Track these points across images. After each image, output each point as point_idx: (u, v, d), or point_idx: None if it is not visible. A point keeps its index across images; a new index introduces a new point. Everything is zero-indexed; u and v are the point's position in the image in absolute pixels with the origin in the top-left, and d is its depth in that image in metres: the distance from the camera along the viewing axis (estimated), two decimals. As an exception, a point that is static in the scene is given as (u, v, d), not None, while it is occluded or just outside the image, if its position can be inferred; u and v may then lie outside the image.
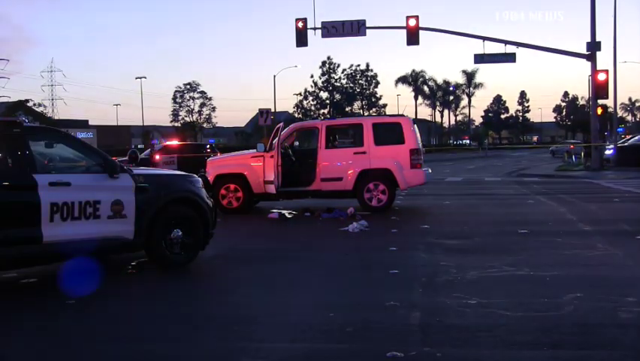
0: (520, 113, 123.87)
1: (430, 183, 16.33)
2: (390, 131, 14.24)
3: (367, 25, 29.27)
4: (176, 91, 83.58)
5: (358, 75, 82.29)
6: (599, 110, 29.56)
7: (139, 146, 66.17)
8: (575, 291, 6.26)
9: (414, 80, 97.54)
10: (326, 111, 78.84)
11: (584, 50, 29.02)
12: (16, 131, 6.84)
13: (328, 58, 79.88)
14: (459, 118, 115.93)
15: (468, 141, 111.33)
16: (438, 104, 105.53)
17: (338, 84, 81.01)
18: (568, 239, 9.58)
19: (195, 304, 6.39)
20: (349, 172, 14.04)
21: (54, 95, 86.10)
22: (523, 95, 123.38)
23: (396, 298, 6.15)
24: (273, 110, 48.42)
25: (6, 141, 6.72)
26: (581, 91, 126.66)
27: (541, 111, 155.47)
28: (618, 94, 33.44)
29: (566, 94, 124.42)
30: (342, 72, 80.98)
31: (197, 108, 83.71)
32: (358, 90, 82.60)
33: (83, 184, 7.11)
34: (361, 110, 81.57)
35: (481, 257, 8.24)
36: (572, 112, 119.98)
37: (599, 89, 27.87)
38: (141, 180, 7.58)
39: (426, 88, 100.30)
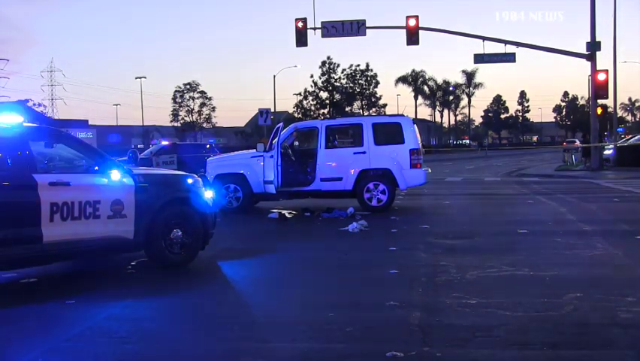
0: (520, 113, 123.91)
1: (430, 183, 16.32)
2: (390, 131, 14.24)
3: (367, 25, 29.23)
4: (176, 91, 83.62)
5: (358, 75, 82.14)
6: (599, 110, 29.54)
7: (139, 146, 66.16)
8: (575, 291, 6.26)
9: (414, 80, 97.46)
10: (326, 111, 78.69)
11: (584, 50, 29.02)
12: (17, 131, 6.84)
13: (328, 58, 79.76)
14: (459, 118, 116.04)
15: (468, 141, 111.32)
16: (438, 104, 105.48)
17: (338, 84, 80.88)
18: (568, 239, 9.58)
19: (195, 304, 6.39)
20: (349, 172, 14.03)
21: (54, 95, 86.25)
22: (523, 95, 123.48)
23: (396, 298, 6.15)
24: (273, 110, 48.42)
25: (6, 141, 6.72)
26: (581, 91, 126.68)
27: (541, 111, 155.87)
28: (618, 94, 33.47)
29: (565, 94, 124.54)
30: (342, 72, 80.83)
31: (197, 108, 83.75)
32: (358, 90, 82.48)
33: (83, 184, 7.11)
34: (361, 110, 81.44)
35: (481, 257, 8.24)
36: (571, 112, 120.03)
37: (599, 89, 27.86)
38: (141, 180, 7.58)
39: (426, 88, 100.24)
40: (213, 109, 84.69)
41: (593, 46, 28.45)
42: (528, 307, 5.75)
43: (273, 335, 5.21)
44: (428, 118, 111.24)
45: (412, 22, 28.36)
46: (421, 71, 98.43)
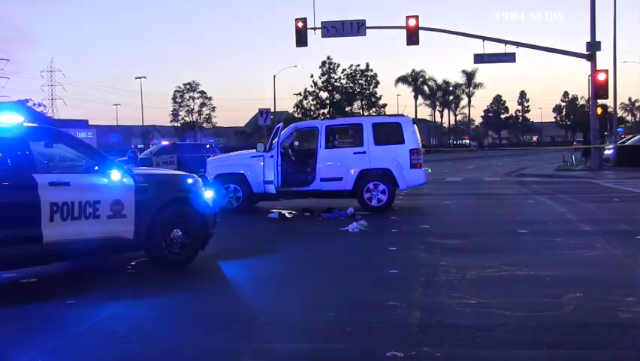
0: (520, 113, 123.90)
1: (430, 183, 16.32)
2: (390, 131, 14.24)
3: (367, 25, 29.22)
4: (176, 91, 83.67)
5: (358, 75, 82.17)
6: (599, 110, 29.54)
7: (139, 146, 66.17)
8: (575, 291, 6.26)
9: (414, 80, 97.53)
10: (326, 111, 78.72)
11: (584, 50, 29.01)
12: (17, 131, 6.84)
13: (328, 58, 79.80)
14: (459, 118, 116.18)
15: (468, 141, 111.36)
16: (438, 104, 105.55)
17: (338, 84, 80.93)
18: (568, 239, 9.58)
19: (195, 304, 6.39)
20: (349, 172, 14.04)
21: (54, 95, 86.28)
22: (523, 95, 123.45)
23: (396, 298, 6.15)
24: (273, 110, 48.41)
25: (6, 141, 6.72)
26: (581, 91, 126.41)
27: (541, 111, 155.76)
28: (618, 94, 33.48)
29: (565, 94, 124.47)
30: (342, 72, 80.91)
31: (197, 108, 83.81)
32: (358, 90, 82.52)
33: (83, 184, 7.11)
34: (361, 110, 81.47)
35: (481, 257, 8.24)
36: (571, 112, 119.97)
37: (599, 89, 27.86)
38: (141, 180, 7.58)
39: (426, 88, 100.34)
40: (213, 109, 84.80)
41: (593, 46, 28.45)
42: (528, 307, 5.75)
43: (273, 335, 5.21)
44: (428, 118, 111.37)
45: (412, 22, 28.36)
46: (421, 71, 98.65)
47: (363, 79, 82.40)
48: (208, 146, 35.17)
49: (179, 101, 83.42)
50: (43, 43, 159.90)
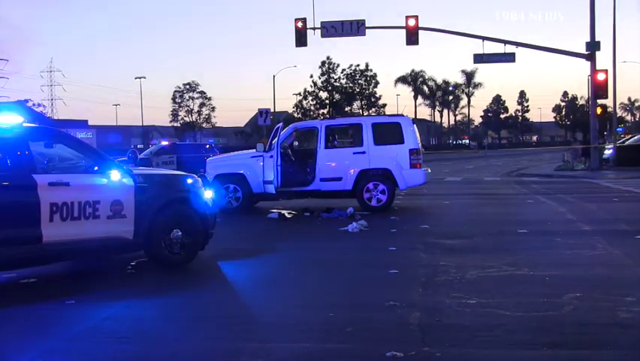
0: (520, 113, 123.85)
1: (429, 183, 16.32)
2: (389, 131, 14.24)
3: (367, 25, 29.22)
4: (175, 91, 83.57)
5: (358, 75, 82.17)
6: (599, 110, 29.53)
7: (139, 146, 66.15)
8: (575, 291, 6.26)
9: (413, 80, 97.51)
10: (325, 111, 78.74)
11: (583, 50, 29.00)
12: (16, 131, 6.84)
13: (328, 58, 79.80)
14: (458, 118, 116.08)
15: (467, 141, 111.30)
16: (437, 104, 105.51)
17: (337, 84, 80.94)
18: (568, 239, 9.58)
19: (195, 304, 6.39)
20: (349, 172, 14.04)
21: (54, 95, 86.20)
22: (522, 95, 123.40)
23: (396, 298, 6.15)
24: (272, 110, 48.40)
25: (6, 141, 6.72)
26: (581, 91, 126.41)
27: (541, 111, 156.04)
28: (618, 94, 33.47)
29: (565, 94, 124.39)
30: (342, 72, 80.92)
31: (196, 108, 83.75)
32: (358, 90, 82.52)
33: (83, 184, 7.11)
34: (361, 110, 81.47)
35: (480, 257, 8.24)
36: (571, 112, 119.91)
37: (599, 89, 27.85)
38: (141, 180, 7.58)
39: (425, 88, 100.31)
40: (213, 109, 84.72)
41: (593, 46, 28.45)
42: (528, 307, 5.75)
43: (273, 335, 5.21)
44: (428, 118, 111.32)
45: (412, 22, 28.35)
46: (421, 71, 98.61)
47: (363, 79, 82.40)
48: (208, 146, 35.16)
49: (179, 101, 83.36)
50: (43, 43, 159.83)
